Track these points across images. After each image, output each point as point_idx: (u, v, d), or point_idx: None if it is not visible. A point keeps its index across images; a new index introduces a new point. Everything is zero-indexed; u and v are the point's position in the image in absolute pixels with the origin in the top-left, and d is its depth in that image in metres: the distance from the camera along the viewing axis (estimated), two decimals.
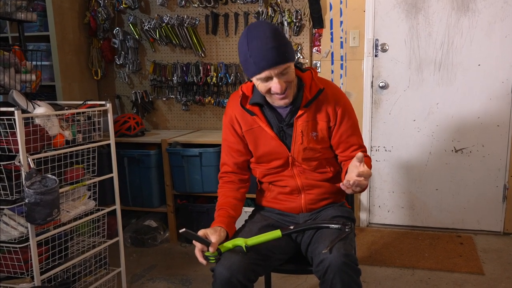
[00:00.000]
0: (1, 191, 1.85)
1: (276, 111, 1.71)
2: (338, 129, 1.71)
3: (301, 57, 3.25)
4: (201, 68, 3.43)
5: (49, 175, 1.84)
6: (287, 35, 3.21)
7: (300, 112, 1.67)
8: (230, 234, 1.65)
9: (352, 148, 1.73)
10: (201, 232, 1.55)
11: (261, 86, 1.57)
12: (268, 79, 1.54)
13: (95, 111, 2.25)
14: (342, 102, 1.72)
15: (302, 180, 1.75)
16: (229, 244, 1.56)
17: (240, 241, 1.55)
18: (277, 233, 1.55)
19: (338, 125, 1.71)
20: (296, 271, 1.83)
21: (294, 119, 1.67)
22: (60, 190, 1.96)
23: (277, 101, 1.63)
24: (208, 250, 1.52)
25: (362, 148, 1.76)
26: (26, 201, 1.77)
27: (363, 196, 3.42)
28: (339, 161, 1.79)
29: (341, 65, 3.27)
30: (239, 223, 1.73)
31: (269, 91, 1.57)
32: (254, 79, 1.58)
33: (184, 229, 1.47)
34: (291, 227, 1.60)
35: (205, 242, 1.52)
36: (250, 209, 1.95)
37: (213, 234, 1.55)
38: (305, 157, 1.71)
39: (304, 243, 1.69)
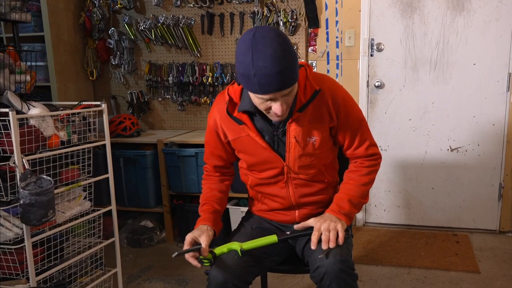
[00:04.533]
0: None
1: (268, 118, 1.57)
2: (341, 126, 1.60)
3: None
4: (196, 68, 3.43)
5: (44, 176, 1.83)
6: None
7: (293, 117, 1.54)
8: (217, 231, 1.61)
9: (354, 145, 1.64)
10: (189, 237, 1.51)
11: (259, 103, 1.44)
12: (269, 100, 1.41)
13: (90, 111, 2.24)
14: (340, 97, 1.58)
15: (297, 198, 1.67)
16: (224, 248, 1.53)
17: (235, 245, 1.52)
18: (273, 238, 1.52)
19: (340, 123, 1.59)
20: (292, 270, 1.82)
21: (287, 124, 1.55)
22: (56, 191, 1.95)
23: (272, 118, 1.51)
24: (200, 255, 1.49)
25: (366, 142, 1.64)
26: (21, 202, 1.76)
27: None
28: (346, 157, 1.71)
29: (337, 64, 3.28)
30: (234, 224, 1.72)
31: (268, 108, 1.44)
32: (252, 95, 1.44)
33: (175, 254, 1.45)
34: (288, 232, 1.57)
35: (196, 249, 1.49)
36: (245, 209, 1.94)
37: (201, 236, 1.52)
38: (301, 165, 1.61)
39: (299, 245, 1.67)
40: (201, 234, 1.52)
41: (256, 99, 1.44)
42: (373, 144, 1.67)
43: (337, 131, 1.62)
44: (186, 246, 1.50)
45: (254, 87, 1.37)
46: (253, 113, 1.55)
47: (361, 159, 1.66)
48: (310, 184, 1.67)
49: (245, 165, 1.70)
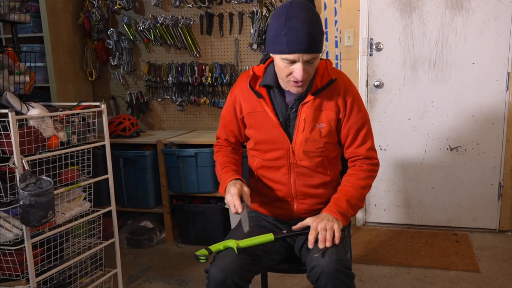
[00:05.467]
0: None
1: (285, 97, 1.67)
2: (347, 120, 1.66)
3: None
4: (196, 68, 3.43)
5: (44, 177, 1.83)
6: None
7: (306, 99, 1.62)
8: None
9: (356, 143, 1.68)
10: (234, 191, 1.57)
11: (282, 67, 1.53)
12: (293, 62, 1.50)
13: (89, 112, 2.24)
14: (352, 93, 1.67)
15: (298, 187, 1.70)
16: (220, 245, 1.55)
17: (231, 243, 1.54)
18: (269, 237, 1.55)
19: (347, 117, 1.65)
20: (290, 270, 1.82)
21: (299, 105, 1.63)
22: (55, 192, 1.95)
23: (291, 88, 1.59)
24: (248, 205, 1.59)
25: (368, 143, 1.68)
26: (21, 203, 1.76)
27: None
28: (345, 158, 1.74)
29: (336, 64, 3.28)
30: (234, 223, 1.73)
31: (289, 75, 1.54)
32: (277, 57, 1.53)
33: (247, 229, 1.52)
34: (284, 231, 1.59)
35: (246, 207, 1.58)
36: None
37: (243, 186, 1.61)
38: (306, 150, 1.65)
39: (297, 245, 1.69)
40: (241, 186, 1.60)
41: (280, 62, 1.52)
42: (374, 149, 1.72)
43: (342, 125, 1.67)
44: (236, 200, 1.56)
45: (282, 46, 1.48)
46: (272, 87, 1.65)
47: (359, 161, 1.70)
48: (312, 174, 1.70)
49: (252, 144, 1.75)
